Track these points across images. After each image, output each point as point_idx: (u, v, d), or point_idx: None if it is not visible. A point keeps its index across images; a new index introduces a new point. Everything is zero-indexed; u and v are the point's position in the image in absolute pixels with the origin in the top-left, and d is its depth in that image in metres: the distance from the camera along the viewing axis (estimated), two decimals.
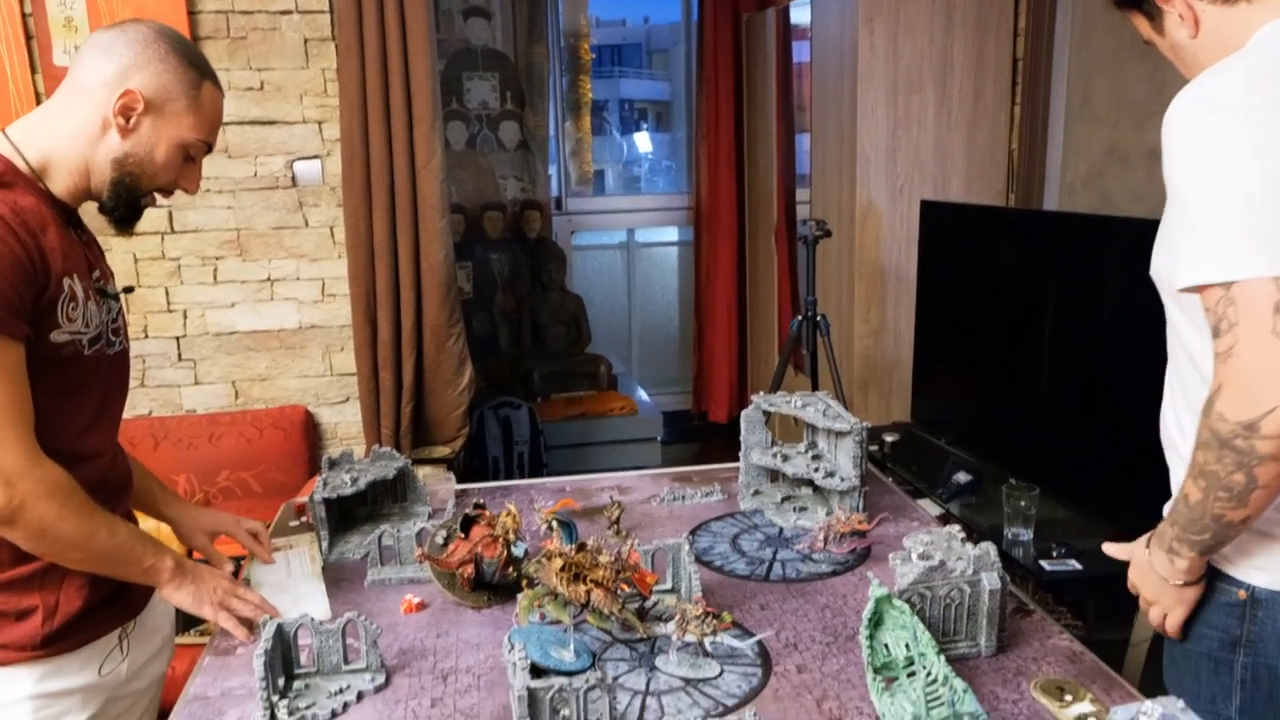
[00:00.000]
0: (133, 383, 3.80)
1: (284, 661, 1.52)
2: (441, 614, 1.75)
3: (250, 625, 1.69)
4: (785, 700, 1.46)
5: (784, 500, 2.19)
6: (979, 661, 1.56)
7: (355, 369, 3.65)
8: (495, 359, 5.62)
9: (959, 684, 1.33)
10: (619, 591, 1.53)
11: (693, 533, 2.08)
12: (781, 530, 2.08)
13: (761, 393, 2.27)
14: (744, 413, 2.23)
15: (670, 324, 6.56)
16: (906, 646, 1.49)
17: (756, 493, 2.23)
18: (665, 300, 6.54)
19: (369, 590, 1.85)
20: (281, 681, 1.51)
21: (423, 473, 3.72)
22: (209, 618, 1.64)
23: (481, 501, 1.80)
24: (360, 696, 1.49)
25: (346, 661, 1.54)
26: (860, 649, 1.56)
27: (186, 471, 3.53)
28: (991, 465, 3.37)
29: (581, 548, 1.54)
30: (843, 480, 2.03)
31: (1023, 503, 2.99)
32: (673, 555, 1.76)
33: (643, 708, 1.45)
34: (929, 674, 1.42)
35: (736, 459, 2.27)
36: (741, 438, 2.23)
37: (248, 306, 3.62)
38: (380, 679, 1.52)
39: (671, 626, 1.53)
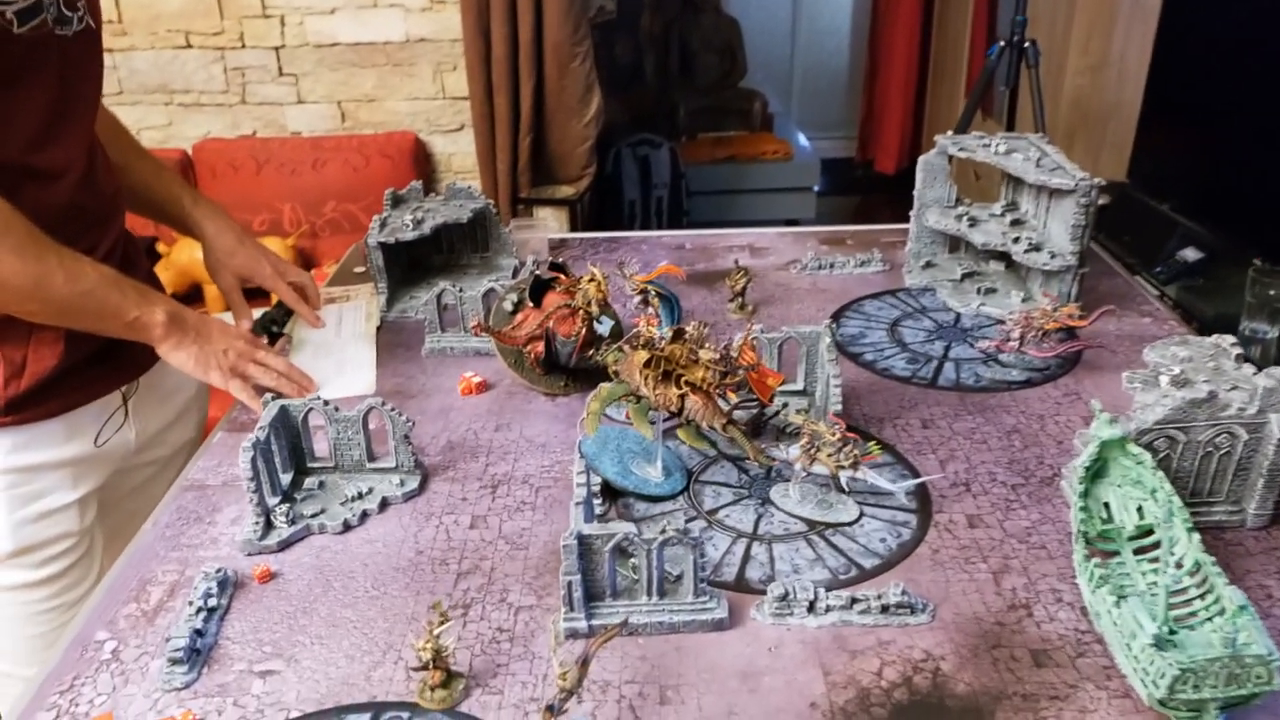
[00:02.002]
0: (232, 99, 3.51)
1: (293, 451, 1.19)
2: (507, 399, 1.39)
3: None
4: (946, 568, 1.04)
5: (965, 278, 1.67)
6: (1240, 535, 1.08)
7: (468, 91, 3.20)
8: (638, 90, 5.04)
9: (1231, 594, 0.86)
10: (725, 398, 1.11)
11: (838, 315, 1.61)
12: (959, 318, 1.58)
13: (949, 133, 1.70)
14: (923, 158, 1.68)
15: (839, 56, 5.72)
16: (1139, 511, 1.02)
17: (929, 265, 1.72)
18: (834, 28, 5.67)
19: (426, 361, 1.50)
20: (289, 477, 1.19)
21: (541, 218, 3.36)
22: (217, 384, 1.32)
23: (561, 261, 1.37)
24: (385, 504, 1.16)
25: (372, 458, 1.20)
26: (1065, 502, 1.10)
27: (291, 200, 3.25)
28: (1228, 240, 2.68)
29: (678, 335, 1.10)
30: (1053, 256, 1.49)
31: (1272, 291, 2.35)
32: (808, 347, 1.31)
33: (745, 558, 1.06)
34: (1174, 558, 0.95)
35: (905, 219, 1.74)
36: (916, 191, 1.70)
37: (349, 14, 3.18)
38: (413, 483, 1.18)
39: (795, 451, 1.11)
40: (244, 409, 1.37)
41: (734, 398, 1.08)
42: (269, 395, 1.18)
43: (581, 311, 1.32)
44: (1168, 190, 3.01)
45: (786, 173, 4.72)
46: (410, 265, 1.76)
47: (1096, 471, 1.04)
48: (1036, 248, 1.52)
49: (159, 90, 3.30)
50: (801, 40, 5.67)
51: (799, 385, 1.32)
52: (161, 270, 3.07)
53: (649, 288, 1.27)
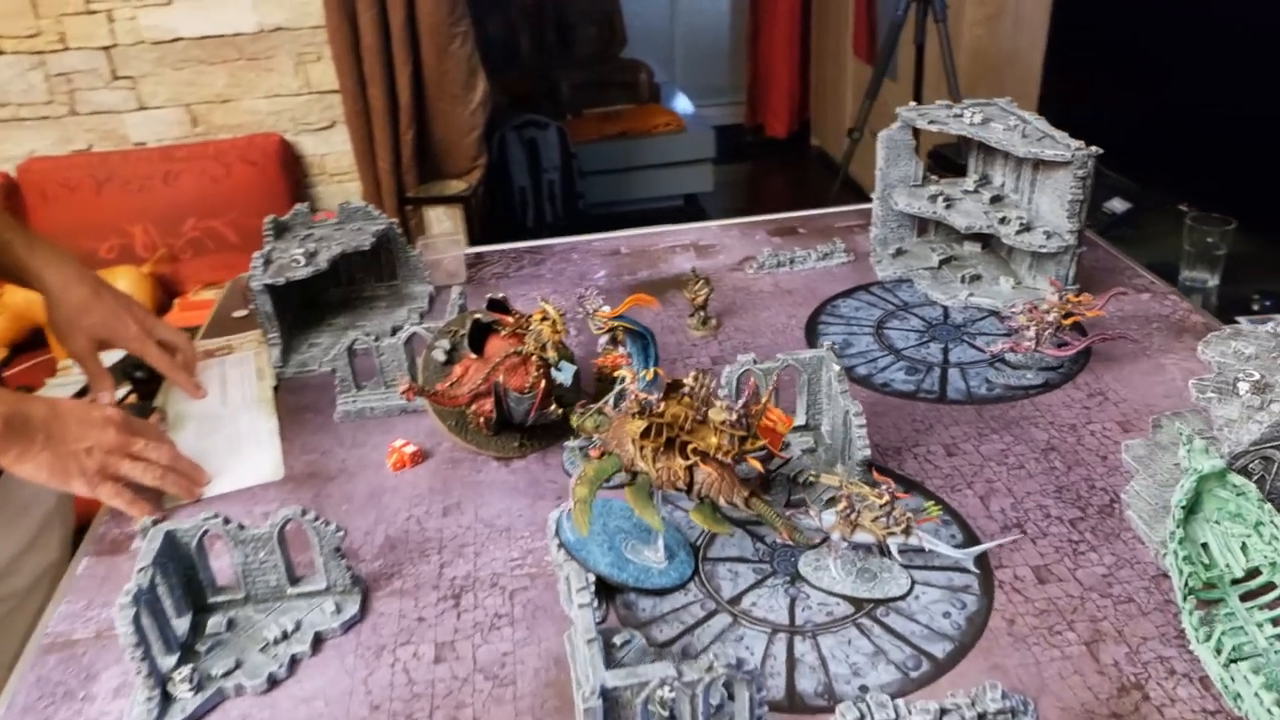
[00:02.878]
0: (60, 109, 3.08)
1: (188, 587, 0.92)
2: (451, 471, 1.14)
3: (156, 497, 1.09)
4: (1030, 644, 0.85)
5: (943, 264, 1.49)
6: None
7: (338, 84, 2.87)
8: (515, 70, 4.72)
9: None
10: (743, 464, 0.89)
11: (814, 320, 1.41)
12: (947, 312, 1.40)
13: (912, 104, 1.51)
14: (884, 134, 1.49)
15: (719, 19, 5.53)
16: (1244, 548, 0.86)
17: (900, 253, 1.54)
18: None
19: (341, 429, 1.23)
20: (186, 622, 0.92)
21: (432, 217, 3.07)
22: (83, 494, 1.03)
23: (500, 295, 1.13)
24: (319, 641, 0.91)
25: (294, 581, 0.94)
26: (1136, 536, 0.94)
27: (142, 221, 2.86)
28: (1153, 188, 2.61)
29: (674, 390, 0.88)
30: (1049, 237, 1.33)
31: (1210, 239, 2.28)
32: (808, 375, 1.10)
33: (790, 662, 0.85)
34: None
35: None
36: (878, 170, 1.51)
37: (189, 4, 2.79)
38: (351, 606, 0.93)
39: (831, 518, 0.90)
40: (116, 517, 1.09)
41: (757, 465, 0.87)
42: (147, 519, 0.90)
43: (535, 358, 1.08)
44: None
45: (681, 145, 4.50)
46: (303, 304, 1.48)
47: (1190, 508, 0.87)
48: (1027, 228, 1.35)
49: None
50: (680, 5, 5.45)
51: (799, 419, 1.12)
52: None
53: (618, 325, 1.04)
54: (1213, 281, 2.28)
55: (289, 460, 1.18)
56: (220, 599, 0.94)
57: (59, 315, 1.22)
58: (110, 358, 1.44)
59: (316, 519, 0.91)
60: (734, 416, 0.84)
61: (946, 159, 3.11)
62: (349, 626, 0.92)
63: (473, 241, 3.08)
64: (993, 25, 3.45)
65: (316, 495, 1.11)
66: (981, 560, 0.94)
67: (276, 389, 1.31)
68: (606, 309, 1.05)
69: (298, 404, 1.29)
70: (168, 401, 1.29)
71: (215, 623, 0.92)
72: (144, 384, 1.34)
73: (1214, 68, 2.48)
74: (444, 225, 3.00)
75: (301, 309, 1.47)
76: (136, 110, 2.94)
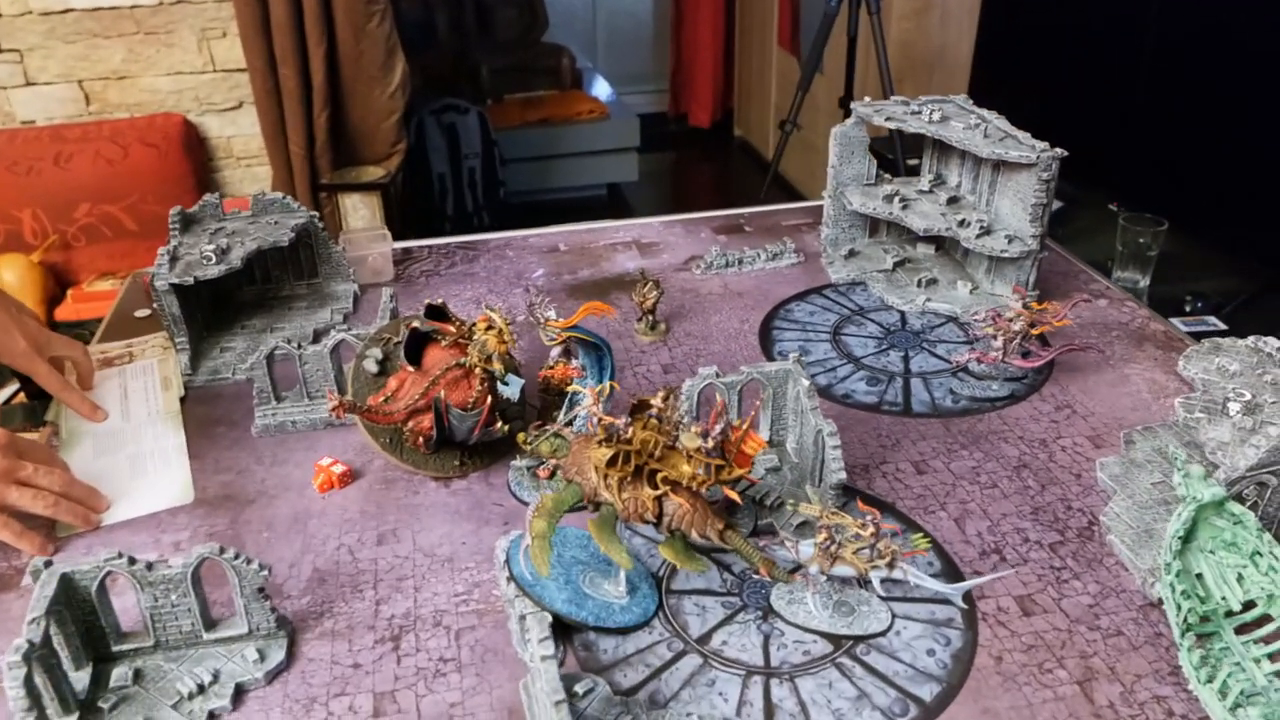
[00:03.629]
0: None
1: (88, 635, 0.81)
2: (384, 492, 1.04)
3: (48, 527, 0.97)
4: (1021, 683, 0.80)
5: (897, 266, 1.44)
6: None
7: (246, 62, 2.69)
8: (433, 52, 4.56)
9: None
10: (712, 492, 0.81)
11: (766, 324, 1.34)
12: (904, 318, 1.35)
13: (867, 99, 1.46)
14: (838, 129, 1.43)
15: (642, 6, 5.45)
16: (1240, 579, 0.82)
17: (852, 254, 1.48)
18: None
19: (259, 445, 1.12)
20: (87, 676, 0.80)
21: (349, 205, 2.91)
22: None
23: (439, 301, 1.02)
24: (240, 694, 0.80)
25: (209, 625, 0.83)
26: (1119, 561, 0.90)
27: (31, 205, 2.64)
28: (1082, 186, 2.63)
29: (639, 409, 0.80)
30: (1011, 241, 1.28)
31: (1142, 240, 2.30)
32: (774, 388, 1.03)
33: (768, 710, 0.78)
34: None
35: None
36: (830, 168, 1.45)
37: None
38: (277, 652, 0.83)
39: (808, 550, 0.84)
40: (3, 549, 0.96)
41: (734, 496, 0.79)
42: (39, 560, 0.78)
43: (479, 371, 0.98)
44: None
45: (605, 133, 4.41)
46: (214, 304, 1.35)
47: (1184, 536, 0.83)
48: (988, 231, 1.31)
49: None
50: None
51: (763, 435, 1.05)
52: None
53: (571, 336, 0.95)
54: (1144, 282, 2.30)
55: (201, 480, 1.06)
56: (125, 647, 0.82)
57: None
58: None
59: (237, 557, 0.80)
60: (710, 444, 0.77)
61: (880, 155, 3.09)
62: (274, 676, 0.82)
63: (393, 231, 2.95)
64: (921, 19, 3.44)
65: (233, 521, 1.00)
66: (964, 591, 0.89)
67: (184, 400, 1.19)
68: (556, 316, 0.96)
69: (209, 416, 1.17)
70: (60, 415, 1.15)
71: (120, 674, 0.81)
72: (31, 422, 1.22)
73: (1146, 62, 2.50)
74: (361, 213, 2.85)
75: (212, 309, 1.34)
76: (23, 86, 2.71)
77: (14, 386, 1.73)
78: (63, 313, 2.53)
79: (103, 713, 0.77)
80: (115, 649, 0.82)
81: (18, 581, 0.93)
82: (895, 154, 2.78)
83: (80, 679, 0.79)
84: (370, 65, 2.77)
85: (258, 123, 2.79)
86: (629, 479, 0.79)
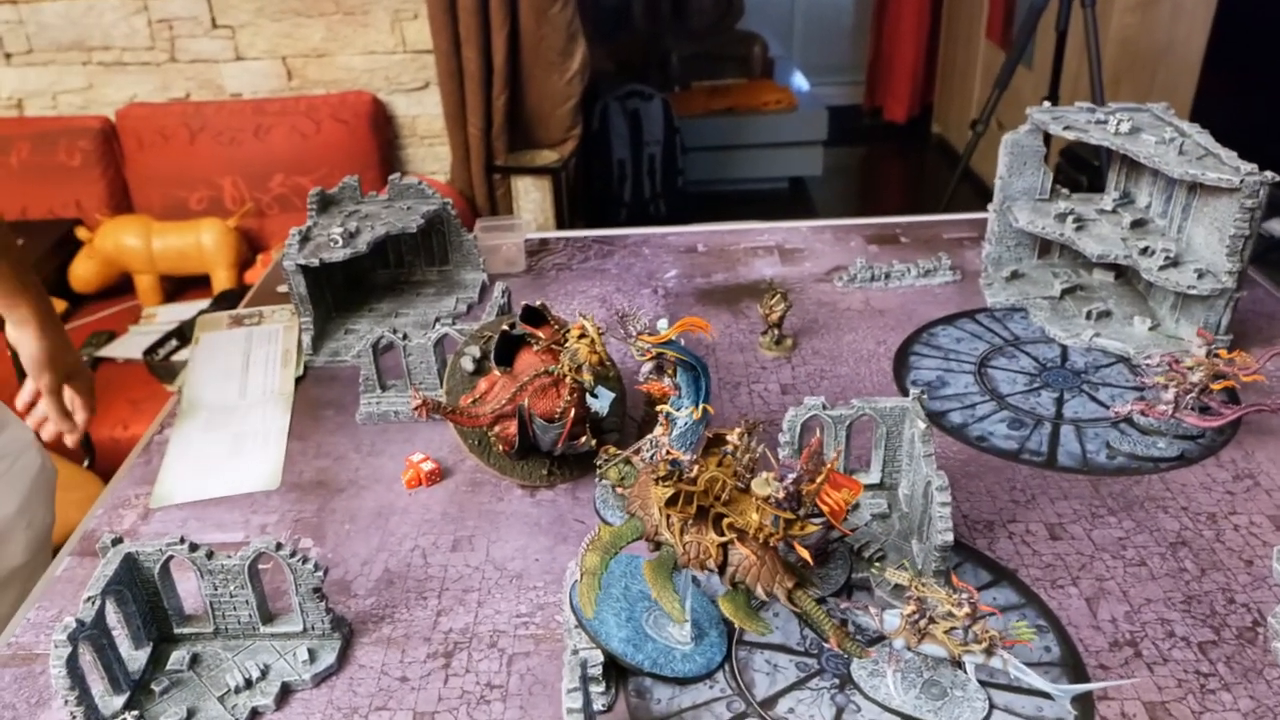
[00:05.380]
0: (160, 56, 3.05)
1: (152, 613, 0.82)
2: (470, 495, 1.01)
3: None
4: None
5: (1065, 294, 1.29)
6: None
7: (433, 44, 2.76)
8: (625, 37, 4.57)
9: None
10: (789, 548, 0.73)
11: (904, 349, 1.23)
12: (1066, 352, 1.20)
13: (1045, 103, 1.30)
14: (1009, 137, 1.28)
15: None
16: None
17: (1015, 275, 1.34)
18: None
19: (361, 433, 1.12)
20: (146, 654, 0.81)
21: (521, 188, 2.94)
22: None
23: (539, 303, 0.98)
24: (286, 694, 0.79)
25: (267, 619, 0.83)
26: None
27: (231, 174, 2.82)
28: None
29: (714, 447, 0.72)
30: (1201, 276, 1.11)
31: None
32: (888, 427, 0.93)
33: None
34: None
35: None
36: (999, 180, 1.31)
37: None
38: (328, 656, 0.81)
39: (895, 621, 0.74)
40: (110, 513, 1.00)
41: (804, 554, 0.70)
42: (108, 536, 0.80)
43: (569, 380, 0.93)
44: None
45: (790, 125, 4.28)
46: (347, 285, 1.37)
47: None
48: (1174, 263, 1.14)
49: (74, 48, 2.85)
50: None
51: (873, 477, 0.95)
52: (84, 260, 2.67)
53: (664, 354, 0.89)
54: None
55: (299, 464, 1.06)
56: (187, 630, 0.83)
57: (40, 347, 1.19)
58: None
59: (293, 554, 0.79)
60: (781, 494, 0.68)
61: (1080, 160, 2.84)
62: (322, 679, 0.80)
63: (563, 216, 2.97)
64: (1147, 13, 3.12)
65: (320, 509, 1.00)
66: (1079, 680, 0.76)
67: (300, 379, 1.21)
68: (649, 330, 0.90)
69: (321, 398, 1.18)
70: (188, 384, 1.19)
71: (178, 657, 0.81)
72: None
73: None
74: (533, 196, 2.88)
75: (345, 289, 1.36)
76: (234, 60, 2.89)
77: (174, 342, 1.86)
78: (252, 276, 2.69)
79: (153, 695, 0.78)
80: (178, 631, 0.83)
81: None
82: (1103, 164, 2.53)
83: (138, 658, 0.80)
84: (550, 50, 2.78)
85: (441, 103, 2.87)
86: (692, 521, 0.72)
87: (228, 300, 2.31)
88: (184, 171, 2.81)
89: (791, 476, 0.68)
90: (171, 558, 0.79)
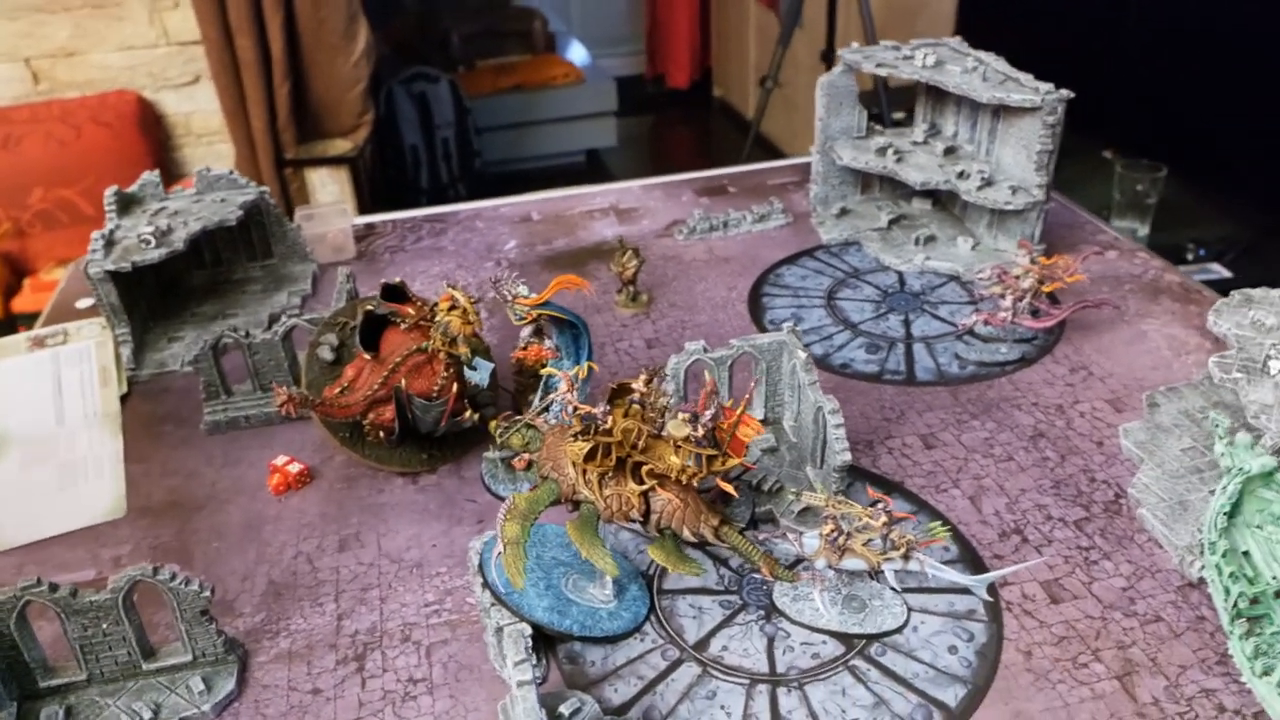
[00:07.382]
0: None
1: (10, 671, 0.72)
2: (345, 492, 0.95)
3: None
4: (1054, 681, 0.72)
5: (893, 223, 1.35)
6: None
7: (200, 34, 2.56)
8: (399, 18, 4.41)
9: None
10: (706, 482, 0.73)
11: (756, 291, 1.25)
12: (903, 278, 1.26)
13: (854, 44, 1.36)
14: (824, 79, 1.33)
15: None
16: None
17: (844, 212, 1.39)
18: None
19: (209, 444, 1.02)
20: (11, 715, 0.71)
21: (316, 180, 2.80)
22: None
23: (397, 280, 0.93)
24: None
25: (148, 656, 0.75)
26: (1151, 537, 0.81)
27: None
28: (1075, 135, 2.54)
29: (620, 395, 0.71)
30: (1015, 192, 1.19)
31: (1140, 187, 2.22)
32: (767, 363, 0.95)
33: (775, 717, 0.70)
34: None
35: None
36: (818, 121, 1.35)
37: None
38: (225, 681, 0.74)
39: (814, 542, 0.75)
40: None
41: (728, 488, 0.71)
42: None
43: (443, 356, 0.89)
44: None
45: (581, 97, 4.28)
46: (161, 291, 1.25)
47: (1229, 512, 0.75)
48: (989, 182, 1.22)
49: None
50: None
51: (757, 413, 0.97)
52: None
53: (542, 314, 0.86)
54: (1143, 231, 2.22)
55: (145, 486, 0.97)
56: (55, 682, 0.74)
57: None
58: None
59: (174, 578, 0.71)
60: (700, 431, 0.68)
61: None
62: (223, 707, 0.74)
63: (363, 206, 2.83)
64: None
65: (180, 531, 0.91)
66: (981, 573, 0.81)
67: (126, 396, 1.09)
68: (526, 292, 0.87)
69: (155, 413, 1.07)
70: None
71: (49, 714, 0.72)
72: None
73: (1141, 7, 2.41)
74: (329, 189, 2.74)
75: (159, 296, 1.24)
76: None
77: None
78: (20, 304, 2.42)
79: None
80: (44, 684, 0.73)
81: None
82: (881, 107, 2.68)
83: None
84: (331, 33, 2.64)
85: (216, 98, 2.67)
86: (610, 474, 0.70)
87: None
88: None
89: (710, 413, 0.67)
90: (29, 603, 0.70)
